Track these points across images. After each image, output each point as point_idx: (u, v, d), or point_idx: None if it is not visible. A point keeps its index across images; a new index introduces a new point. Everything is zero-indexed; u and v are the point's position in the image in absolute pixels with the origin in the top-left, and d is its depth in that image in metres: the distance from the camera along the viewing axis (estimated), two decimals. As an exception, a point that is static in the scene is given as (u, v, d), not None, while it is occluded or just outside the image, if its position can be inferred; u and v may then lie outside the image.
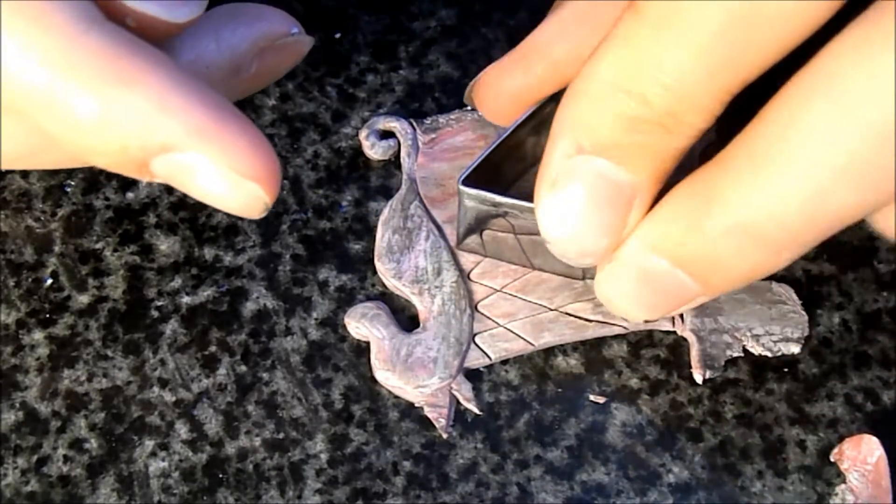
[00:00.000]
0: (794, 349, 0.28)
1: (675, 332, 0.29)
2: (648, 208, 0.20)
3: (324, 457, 0.27)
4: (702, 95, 0.18)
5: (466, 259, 0.29)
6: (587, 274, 0.28)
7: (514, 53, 0.26)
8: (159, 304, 0.29)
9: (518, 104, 0.26)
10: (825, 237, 0.19)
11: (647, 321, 0.25)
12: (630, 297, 0.21)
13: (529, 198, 0.22)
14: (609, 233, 0.20)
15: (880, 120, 0.17)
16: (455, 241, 0.29)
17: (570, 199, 0.20)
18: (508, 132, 0.26)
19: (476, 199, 0.26)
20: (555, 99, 0.25)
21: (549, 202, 0.20)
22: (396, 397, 0.28)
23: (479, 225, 0.27)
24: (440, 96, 0.32)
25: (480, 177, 0.26)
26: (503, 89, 0.26)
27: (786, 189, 0.18)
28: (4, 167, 0.23)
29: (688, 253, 0.20)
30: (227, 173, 0.20)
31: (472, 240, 0.28)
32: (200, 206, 0.30)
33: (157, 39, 0.21)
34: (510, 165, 0.27)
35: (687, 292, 0.20)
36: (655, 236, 0.20)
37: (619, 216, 0.20)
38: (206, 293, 0.29)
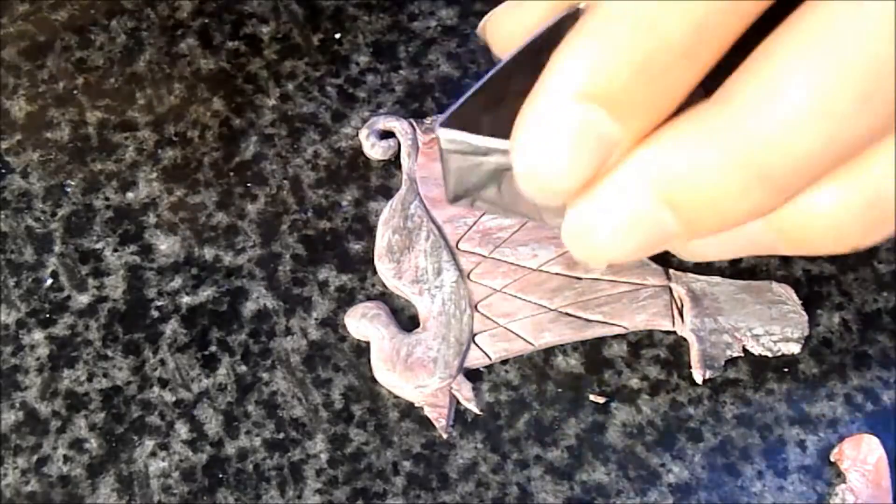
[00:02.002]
0: (794, 349, 0.28)
1: (675, 332, 0.29)
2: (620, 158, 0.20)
3: (324, 457, 0.27)
4: (722, 22, 0.18)
5: (466, 259, 0.29)
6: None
7: None
8: (159, 304, 0.29)
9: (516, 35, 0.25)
10: (828, 170, 0.19)
11: (609, 266, 0.24)
12: (606, 233, 0.21)
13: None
14: (580, 177, 0.20)
15: (887, 39, 0.17)
16: (447, 196, 0.27)
17: (553, 140, 0.20)
18: (490, 75, 0.25)
19: (460, 145, 0.24)
20: (547, 36, 0.24)
21: (531, 138, 0.20)
22: (396, 397, 0.28)
23: (465, 176, 0.25)
24: (440, 96, 0.32)
25: (464, 123, 0.24)
26: (515, 24, 0.25)
27: (795, 113, 0.18)
28: None
29: (682, 191, 0.19)
30: None
31: (462, 190, 0.26)
32: (200, 206, 0.30)
33: None
34: (492, 116, 0.26)
35: (666, 233, 0.20)
36: (648, 172, 0.20)
37: (595, 163, 0.20)
38: (206, 293, 0.29)
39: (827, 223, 0.20)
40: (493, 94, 0.25)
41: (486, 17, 0.27)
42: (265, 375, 0.28)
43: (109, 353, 0.28)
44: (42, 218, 0.30)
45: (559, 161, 0.20)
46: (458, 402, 0.28)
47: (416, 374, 0.28)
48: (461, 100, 0.24)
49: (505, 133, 0.26)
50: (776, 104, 0.18)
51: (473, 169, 0.25)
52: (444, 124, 0.23)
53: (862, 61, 0.17)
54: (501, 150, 0.24)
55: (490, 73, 0.25)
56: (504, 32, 0.26)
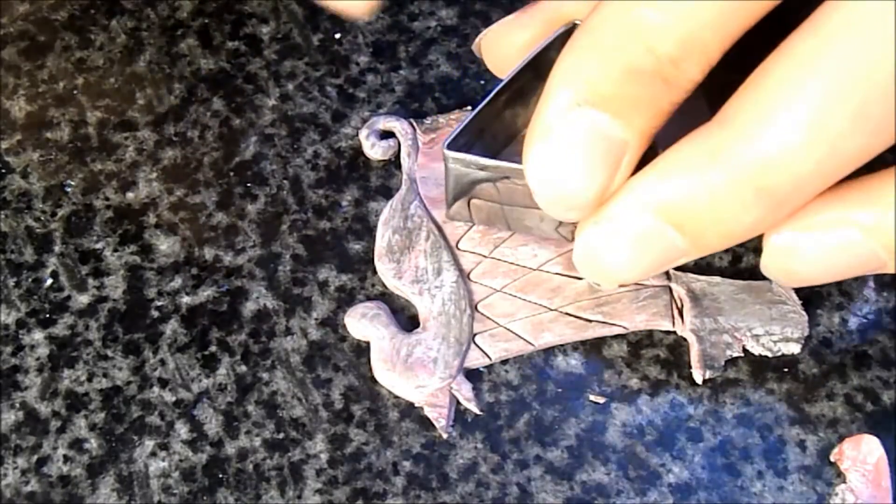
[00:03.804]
0: (794, 349, 0.28)
1: (675, 332, 0.29)
2: (634, 168, 0.20)
3: (324, 457, 0.27)
4: (707, 40, 0.19)
5: (466, 259, 0.29)
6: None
7: (524, 9, 0.26)
8: (159, 304, 0.29)
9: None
10: (826, 186, 0.19)
11: (621, 285, 0.25)
12: (616, 257, 0.21)
13: (516, 163, 0.22)
14: (598, 188, 0.21)
15: (880, 61, 0.17)
16: (446, 212, 0.28)
17: (564, 150, 0.20)
18: (492, 95, 0.26)
19: (461, 162, 0.25)
20: (545, 54, 0.25)
21: (541, 151, 0.21)
22: (396, 397, 0.28)
23: (465, 192, 0.26)
24: (440, 96, 0.32)
25: (464, 143, 0.25)
26: (509, 43, 0.26)
27: (792, 135, 0.18)
28: None
29: (687, 210, 0.20)
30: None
31: (461, 208, 0.27)
32: (200, 206, 0.30)
33: None
34: (494, 134, 0.27)
35: (674, 252, 0.21)
36: (653, 194, 0.20)
37: (609, 171, 0.20)
38: (206, 293, 0.29)
39: None
40: (495, 112, 0.26)
41: (480, 35, 0.27)
42: (265, 375, 0.28)
43: (109, 353, 0.28)
44: (42, 218, 0.30)
45: (573, 169, 0.20)
46: (458, 402, 0.28)
47: (416, 374, 0.28)
48: (465, 121, 0.25)
49: (507, 150, 0.27)
50: (772, 126, 0.18)
51: (475, 185, 0.25)
52: (450, 146, 0.25)
53: (856, 83, 0.18)
54: (504, 168, 0.25)
55: (491, 93, 0.25)
56: (499, 50, 0.26)
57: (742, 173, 0.19)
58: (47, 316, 0.29)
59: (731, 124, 0.19)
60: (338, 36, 0.34)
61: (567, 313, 0.29)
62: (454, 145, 0.25)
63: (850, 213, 0.20)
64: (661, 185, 0.20)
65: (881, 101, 0.18)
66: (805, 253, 0.21)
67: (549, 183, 0.21)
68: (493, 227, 0.28)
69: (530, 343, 0.28)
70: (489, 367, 0.28)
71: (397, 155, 0.31)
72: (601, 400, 0.28)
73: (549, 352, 0.28)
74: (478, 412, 0.28)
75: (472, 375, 0.28)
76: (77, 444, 0.27)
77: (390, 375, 0.28)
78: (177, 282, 0.29)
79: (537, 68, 0.25)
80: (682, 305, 0.29)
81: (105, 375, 0.28)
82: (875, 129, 0.18)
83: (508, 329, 0.28)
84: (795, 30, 0.18)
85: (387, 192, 0.31)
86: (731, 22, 0.19)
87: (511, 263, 0.29)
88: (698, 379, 0.28)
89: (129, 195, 0.31)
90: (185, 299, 0.29)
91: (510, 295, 0.29)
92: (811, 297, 0.29)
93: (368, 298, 0.29)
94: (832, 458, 0.27)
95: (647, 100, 0.19)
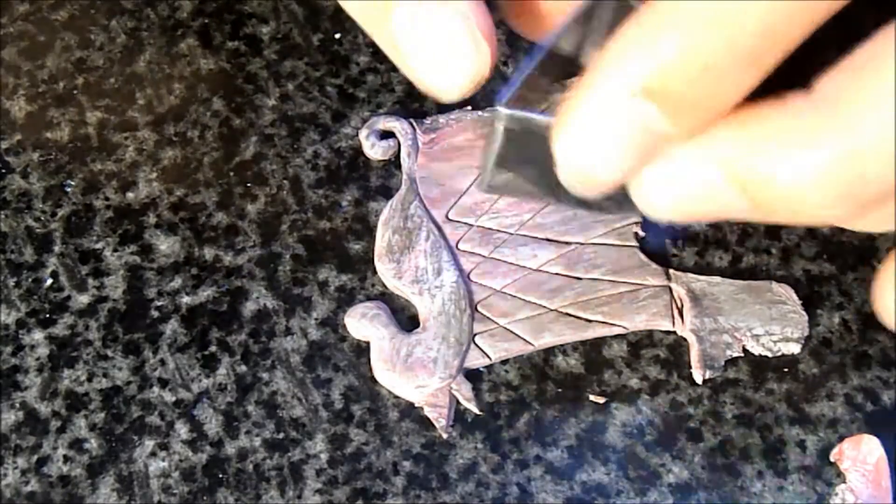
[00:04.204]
0: (794, 349, 0.28)
1: (675, 332, 0.29)
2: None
3: (324, 457, 0.27)
4: (790, 31, 0.18)
5: (466, 259, 0.29)
6: (614, 209, 0.25)
7: None
8: (159, 304, 0.29)
9: (552, 13, 0.23)
10: None
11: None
12: (670, 200, 0.20)
13: None
14: (624, 170, 0.20)
15: None
16: (481, 184, 0.26)
17: (602, 132, 0.19)
18: (544, 51, 0.24)
19: (518, 122, 0.22)
20: (590, 16, 0.23)
21: (579, 127, 0.19)
22: (396, 397, 0.28)
23: (515, 159, 0.24)
24: (440, 96, 0.32)
25: (514, 104, 0.23)
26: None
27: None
28: None
29: (765, 182, 0.18)
30: (473, 30, 0.19)
31: (508, 178, 0.25)
32: (200, 206, 0.30)
33: None
34: (534, 100, 0.25)
35: (730, 212, 0.20)
36: (728, 153, 0.19)
37: (641, 158, 0.19)
38: (206, 293, 0.29)
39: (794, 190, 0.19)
40: (536, 78, 0.24)
41: None
42: (265, 375, 0.28)
43: (109, 353, 0.28)
44: (42, 218, 0.30)
45: (605, 153, 0.19)
46: (458, 402, 0.28)
47: (416, 374, 0.28)
48: (518, 80, 0.22)
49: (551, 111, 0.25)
50: (885, 113, 0.17)
51: (528, 150, 0.23)
52: (506, 104, 0.21)
53: None
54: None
55: (537, 55, 0.23)
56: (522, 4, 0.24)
57: (844, 162, 0.17)
58: (47, 316, 0.29)
59: (835, 105, 0.18)
60: (338, 36, 0.33)
61: (567, 313, 0.29)
62: (512, 105, 0.21)
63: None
64: (738, 145, 0.18)
65: None
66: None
67: (574, 158, 0.20)
68: (539, 199, 0.26)
69: (530, 343, 0.28)
70: (489, 367, 0.28)
71: (397, 155, 0.31)
72: (601, 400, 0.28)
73: (549, 352, 0.28)
74: (478, 412, 0.28)
75: (472, 375, 0.28)
76: (77, 444, 0.27)
77: (390, 375, 0.28)
78: (177, 282, 0.29)
79: (578, 35, 0.23)
80: (682, 305, 0.29)
81: (105, 375, 0.28)
82: None
83: (508, 329, 0.28)
84: None
85: (387, 192, 0.31)
86: (814, 11, 0.18)
87: (511, 263, 0.29)
88: (698, 379, 0.28)
89: (129, 195, 0.31)
90: (185, 299, 0.29)
91: (510, 295, 0.29)
92: (811, 297, 0.29)
93: (368, 298, 0.29)
94: (832, 458, 0.27)
95: (708, 102, 0.18)
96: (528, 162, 0.24)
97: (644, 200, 0.21)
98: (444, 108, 0.32)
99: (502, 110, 0.22)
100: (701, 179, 0.19)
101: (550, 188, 0.25)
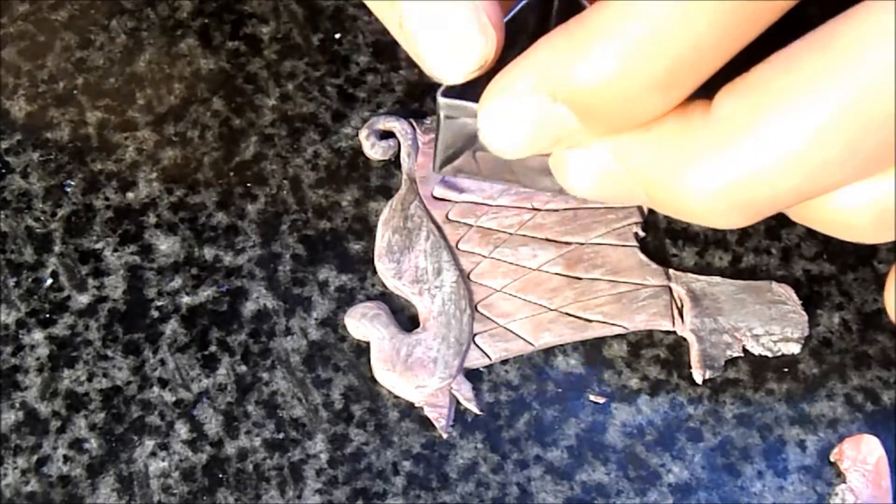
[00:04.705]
0: (794, 349, 0.28)
1: (675, 332, 0.29)
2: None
3: (324, 457, 0.27)
4: (706, 61, 0.18)
5: (466, 259, 0.29)
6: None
7: None
8: (159, 304, 0.29)
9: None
10: (810, 198, 0.19)
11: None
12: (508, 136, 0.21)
13: None
14: (534, 152, 0.21)
15: (881, 92, 0.17)
16: (434, 166, 0.27)
17: (515, 120, 0.20)
18: None
19: (456, 109, 0.24)
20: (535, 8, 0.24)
21: (495, 111, 0.20)
22: (396, 397, 0.28)
23: (465, 145, 0.25)
24: (440, 96, 0.32)
25: (458, 93, 0.24)
26: None
27: (783, 155, 0.18)
28: None
29: (657, 188, 0.20)
30: (481, 15, 0.20)
31: (465, 162, 0.26)
32: (200, 206, 0.30)
33: None
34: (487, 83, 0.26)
35: (645, 203, 0.21)
36: (627, 152, 0.20)
37: (550, 145, 0.21)
38: (206, 293, 0.29)
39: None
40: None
41: None
42: (265, 375, 0.28)
43: (109, 353, 0.28)
44: (42, 218, 0.30)
45: (516, 138, 0.20)
46: (458, 402, 0.28)
47: (416, 374, 0.28)
48: None
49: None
50: (767, 141, 0.18)
51: (462, 132, 0.24)
52: (445, 93, 0.24)
53: (857, 111, 0.17)
54: None
55: None
56: None
57: (723, 180, 0.18)
58: (47, 316, 0.29)
59: (720, 123, 0.19)
60: (338, 36, 0.33)
61: (567, 313, 0.29)
62: (449, 93, 0.23)
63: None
64: (638, 149, 0.19)
65: (879, 131, 0.17)
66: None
67: (490, 137, 0.21)
68: (499, 180, 0.27)
69: (530, 343, 0.28)
70: (489, 367, 0.28)
71: (397, 155, 0.31)
72: (601, 400, 0.28)
73: (549, 352, 0.28)
74: (478, 412, 0.28)
75: (472, 375, 0.28)
76: (77, 444, 0.27)
77: (390, 375, 0.28)
78: (177, 282, 0.29)
79: (523, 20, 0.24)
80: (682, 305, 0.29)
81: (105, 375, 0.28)
82: (871, 155, 0.18)
83: (508, 329, 0.28)
84: (799, 38, 0.18)
85: (387, 192, 0.31)
86: (735, 38, 0.18)
87: (511, 263, 0.29)
88: (698, 379, 0.28)
89: (129, 195, 0.31)
90: (185, 299, 0.29)
91: (510, 295, 0.29)
92: (811, 297, 0.29)
93: (368, 298, 0.29)
94: (832, 458, 0.27)
95: (619, 117, 0.19)
96: (472, 146, 0.25)
97: (560, 177, 0.22)
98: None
99: (441, 99, 0.23)
100: (607, 169, 0.20)
101: (500, 170, 0.26)
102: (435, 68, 0.21)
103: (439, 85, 0.24)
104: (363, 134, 0.31)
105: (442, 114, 0.24)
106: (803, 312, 0.29)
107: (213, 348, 0.28)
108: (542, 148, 0.21)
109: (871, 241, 0.20)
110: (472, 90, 0.25)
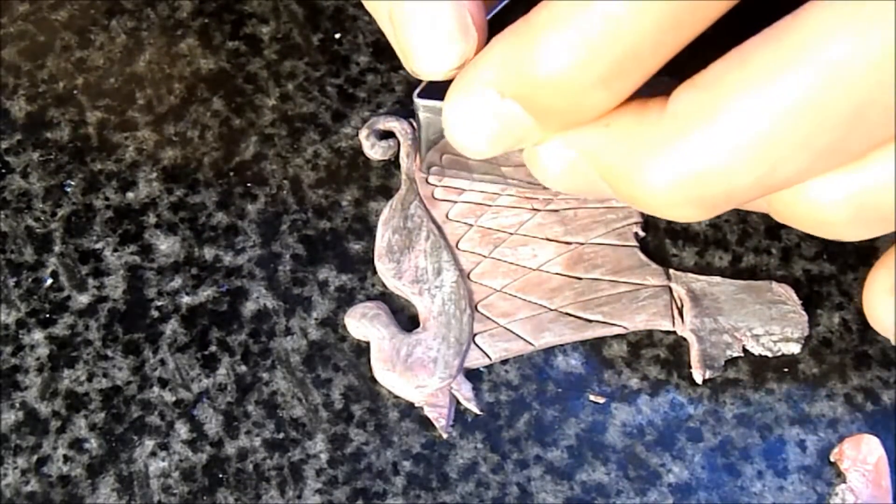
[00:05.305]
0: (794, 349, 0.28)
1: (675, 332, 0.29)
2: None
3: (324, 457, 0.27)
4: (644, 58, 0.19)
5: (466, 259, 0.29)
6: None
7: None
8: (159, 304, 0.29)
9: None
10: (764, 195, 0.19)
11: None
12: (471, 135, 0.21)
13: None
14: (494, 152, 0.21)
15: (832, 87, 0.17)
16: (421, 165, 0.28)
17: (473, 122, 0.21)
18: None
19: (432, 110, 0.25)
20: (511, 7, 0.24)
21: (455, 116, 0.21)
22: (396, 397, 0.28)
23: (437, 141, 0.26)
24: (440, 96, 0.32)
25: (437, 92, 0.25)
26: None
27: (734, 151, 0.18)
28: None
29: (617, 179, 0.20)
30: (464, 15, 0.20)
31: (434, 158, 0.27)
32: (200, 206, 0.30)
33: None
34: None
35: (611, 195, 0.21)
36: (584, 142, 0.20)
37: (508, 144, 0.21)
38: (206, 293, 0.29)
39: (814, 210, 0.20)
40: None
41: None
42: (265, 375, 0.28)
43: (109, 353, 0.28)
44: (42, 218, 0.30)
45: (478, 136, 0.21)
46: (458, 402, 0.28)
47: (416, 374, 0.28)
48: None
49: None
50: (718, 135, 0.18)
51: (443, 132, 0.25)
52: (422, 95, 0.24)
53: (806, 107, 0.17)
54: None
55: None
56: None
57: (678, 175, 0.19)
58: (47, 316, 0.29)
59: (675, 120, 0.19)
60: (338, 36, 0.34)
61: (567, 313, 0.29)
62: (425, 94, 0.24)
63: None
64: (595, 139, 0.20)
65: (830, 128, 0.17)
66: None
67: (452, 134, 0.21)
68: (488, 177, 0.28)
69: (530, 343, 0.28)
70: (489, 367, 0.28)
71: (397, 155, 0.31)
72: (601, 400, 0.28)
73: (549, 352, 0.28)
74: (478, 412, 0.28)
75: (472, 375, 0.28)
76: (77, 444, 0.27)
77: (390, 375, 0.28)
78: (177, 282, 0.29)
79: (502, 19, 0.24)
80: (682, 305, 0.29)
81: (105, 375, 0.28)
82: (821, 150, 0.18)
83: (508, 329, 0.28)
84: (751, 38, 0.18)
85: (387, 192, 0.31)
86: (676, 36, 0.19)
87: (511, 263, 0.29)
88: (698, 379, 0.28)
89: (129, 195, 0.31)
90: (185, 299, 0.29)
91: (510, 295, 0.29)
92: (811, 297, 0.29)
93: (368, 298, 0.29)
94: (832, 458, 0.27)
95: (570, 113, 0.20)
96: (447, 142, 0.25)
97: (534, 172, 0.22)
98: (444, 108, 0.32)
99: (417, 101, 0.24)
100: (574, 164, 0.21)
101: (486, 167, 0.27)
102: (416, 64, 0.21)
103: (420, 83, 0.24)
104: (363, 134, 0.31)
105: (421, 114, 0.25)
106: (803, 312, 0.29)
107: (213, 348, 0.28)
108: (507, 146, 0.21)
109: (850, 238, 0.20)
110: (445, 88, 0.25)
